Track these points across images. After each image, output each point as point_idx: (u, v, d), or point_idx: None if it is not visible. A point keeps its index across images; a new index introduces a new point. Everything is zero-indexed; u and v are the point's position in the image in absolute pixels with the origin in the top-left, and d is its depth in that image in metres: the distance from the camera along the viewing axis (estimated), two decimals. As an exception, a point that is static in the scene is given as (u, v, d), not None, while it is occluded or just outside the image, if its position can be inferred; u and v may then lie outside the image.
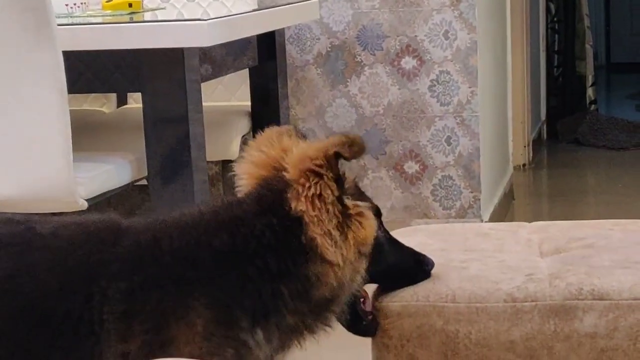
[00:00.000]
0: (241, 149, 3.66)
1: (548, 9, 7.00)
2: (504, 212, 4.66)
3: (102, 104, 3.99)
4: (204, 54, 2.90)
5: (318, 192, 1.68)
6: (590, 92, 7.08)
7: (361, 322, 1.88)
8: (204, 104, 2.82)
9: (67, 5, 3.13)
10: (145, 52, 2.69)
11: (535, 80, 6.37)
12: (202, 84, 2.83)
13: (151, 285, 1.61)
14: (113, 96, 3.97)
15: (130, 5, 3.13)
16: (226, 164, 3.67)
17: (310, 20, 3.93)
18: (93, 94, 3.90)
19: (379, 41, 4.03)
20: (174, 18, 2.92)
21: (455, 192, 4.07)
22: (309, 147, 1.74)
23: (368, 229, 1.74)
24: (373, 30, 4.03)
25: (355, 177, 1.80)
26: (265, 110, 3.49)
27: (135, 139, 2.92)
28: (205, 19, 2.66)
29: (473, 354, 1.91)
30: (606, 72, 9.24)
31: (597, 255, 2.09)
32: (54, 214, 2.81)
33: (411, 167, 4.08)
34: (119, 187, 2.89)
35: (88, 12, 3.15)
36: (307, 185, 1.68)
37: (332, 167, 1.70)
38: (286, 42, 3.85)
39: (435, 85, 4.02)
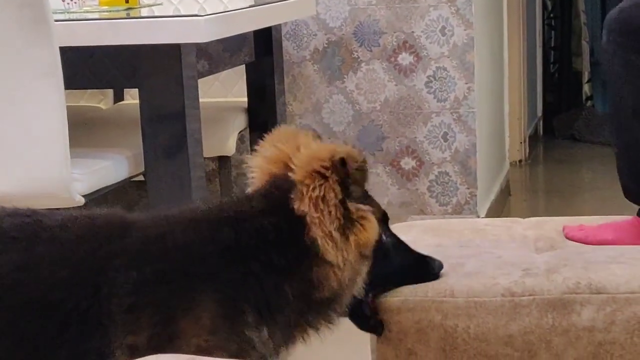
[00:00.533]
0: (238, 146, 3.66)
1: (544, 6, 7.01)
2: (500, 208, 4.66)
3: (99, 100, 3.99)
4: (201, 50, 2.90)
5: (322, 194, 1.69)
6: (586, 88, 7.08)
7: (368, 320, 1.89)
8: (200, 100, 2.82)
9: (63, 1, 3.12)
10: (142, 48, 2.69)
11: (531, 77, 6.37)
12: (199, 80, 2.83)
13: (159, 278, 1.62)
14: (110, 92, 3.97)
15: (127, 1, 3.13)
16: (223, 160, 3.67)
17: (307, 16, 3.93)
18: (90, 90, 3.90)
19: (375, 37, 4.03)
20: (170, 14, 2.92)
21: (452, 188, 4.08)
22: (317, 148, 1.75)
23: (369, 232, 1.75)
24: (370, 27, 4.03)
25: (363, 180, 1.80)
26: (262, 106, 3.50)
27: (132, 135, 2.92)
28: (202, 15, 2.66)
29: (471, 349, 1.91)
30: (602, 67, 9.21)
31: (592, 251, 2.09)
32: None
33: (408, 163, 4.09)
34: (116, 183, 2.89)
35: (85, 8, 3.15)
36: (312, 186, 1.69)
37: (338, 170, 1.71)
38: (283, 38, 3.85)
39: (432, 82, 4.03)
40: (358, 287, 1.77)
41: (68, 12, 3.10)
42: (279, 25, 3.47)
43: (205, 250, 1.66)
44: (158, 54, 2.69)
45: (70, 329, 1.58)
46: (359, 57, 4.06)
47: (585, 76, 7.05)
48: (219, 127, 3.51)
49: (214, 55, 3.04)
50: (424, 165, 4.08)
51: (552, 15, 7.15)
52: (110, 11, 3.09)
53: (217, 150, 3.55)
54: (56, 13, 2.83)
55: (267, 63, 3.45)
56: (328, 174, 1.70)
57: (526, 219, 2.39)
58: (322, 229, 1.69)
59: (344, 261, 1.70)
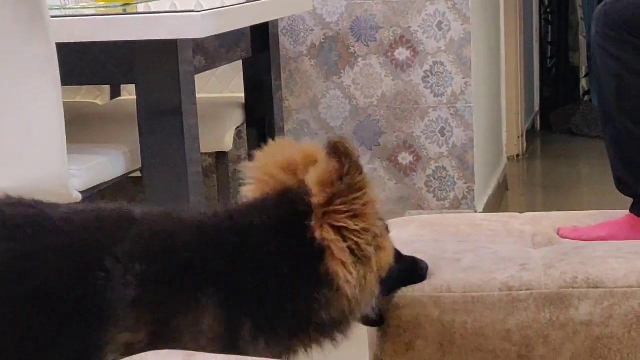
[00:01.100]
0: (235, 141, 3.66)
1: (541, 1, 7.01)
2: (497, 203, 4.66)
3: (95, 96, 3.99)
4: (197, 45, 2.89)
5: (345, 224, 1.63)
6: (583, 82, 7.08)
7: (369, 316, 1.88)
8: (197, 95, 2.82)
9: (60, -3, 3.12)
10: (138, 44, 2.69)
11: (528, 71, 6.37)
12: (196, 76, 2.82)
13: (162, 277, 1.60)
14: (106, 88, 3.97)
15: (123, -3, 3.13)
16: (220, 156, 3.67)
17: (303, 11, 3.92)
18: (86, 86, 3.90)
19: (372, 32, 4.03)
20: (167, 9, 2.92)
21: (449, 183, 4.08)
22: (333, 167, 1.65)
23: (389, 253, 1.72)
24: (367, 22, 4.03)
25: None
26: (259, 101, 3.49)
27: (129, 131, 2.92)
28: (199, 10, 2.66)
29: (469, 343, 1.91)
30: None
31: (589, 246, 2.09)
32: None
33: (405, 158, 4.08)
34: (113, 179, 2.89)
35: (81, 4, 3.15)
36: (335, 216, 1.63)
37: (354, 188, 1.65)
38: (280, 33, 3.85)
39: (429, 76, 4.02)
40: (370, 306, 1.74)
41: (64, 9, 3.09)
42: (276, 20, 3.47)
43: (212, 256, 1.63)
44: (155, 49, 2.69)
45: (70, 323, 1.57)
46: (355, 52, 4.05)
47: (583, 71, 7.06)
48: (216, 123, 3.50)
49: (211, 51, 3.04)
50: (421, 160, 4.08)
51: (549, 10, 7.15)
52: (106, 7, 3.09)
53: (214, 146, 3.55)
54: (52, 9, 2.83)
55: (264, 58, 3.44)
56: (350, 200, 1.63)
57: (523, 214, 2.38)
58: (342, 262, 1.63)
59: (362, 290, 1.66)
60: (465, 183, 4.07)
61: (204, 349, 1.56)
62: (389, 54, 4.03)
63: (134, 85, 2.83)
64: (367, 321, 1.90)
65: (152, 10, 3.01)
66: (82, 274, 1.58)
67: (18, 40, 2.53)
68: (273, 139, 3.34)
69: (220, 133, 3.52)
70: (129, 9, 3.04)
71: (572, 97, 7.07)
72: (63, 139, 2.60)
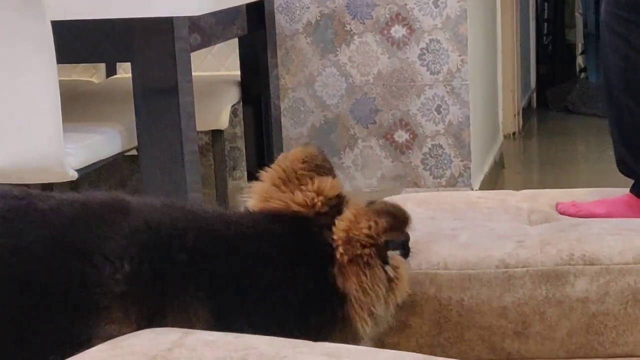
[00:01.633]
0: (231, 119, 3.65)
1: (537, -23, 7.00)
2: (494, 181, 4.66)
3: (91, 74, 3.98)
4: (193, 23, 2.88)
5: (367, 276, 1.65)
6: (580, 60, 7.08)
7: None
8: (193, 73, 2.81)
9: (54, -25, 3.10)
10: (134, 22, 2.68)
11: (524, 49, 6.37)
12: (192, 54, 2.82)
13: (155, 271, 1.58)
14: (102, 66, 3.96)
15: (118, -26, 3.11)
16: (216, 134, 3.67)
17: (299, -11, 3.91)
18: (82, 64, 3.89)
19: (368, 10, 4.02)
20: (162, -13, 2.90)
21: (446, 161, 4.07)
22: (357, 220, 1.67)
23: (405, 280, 1.72)
24: (362, -1, 4.02)
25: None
26: (255, 79, 3.49)
27: (125, 109, 2.91)
28: (194, -13, 2.65)
29: (465, 321, 1.92)
30: (596, 40, 9.22)
31: (585, 223, 2.09)
32: (45, 185, 2.81)
33: (401, 136, 4.08)
34: (109, 158, 2.89)
35: (76, -18, 3.13)
36: (356, 268, 1.65)
37: (381, 253, 1.67)
38: (275, 11, 3.83)
39: (425, 54, 4.02)
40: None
41: (59, -14, 3.08)
42: (272, -2, 3.46)
43: (210, 257, 1.62)
44: (150, 27, 2.68)
45: (58, 316, 1.56)
46: (351, 30, 4.04)
47: (579, 48, 7.05)
48: (211, 101, 3.50)
49: (207, 29, 3.03)
50: (417, 138, 4.07)
51: (545, -14, 7.14)
52: (101, -15, 3.07)
53: (210, 124, 3.55)
54: (47, -13, 2.82)
55: (260, 36, 3.44)
56: (371, 257, 1.65)
57: (520, 192, 2.39)
58: (363, 308, 1.66)
59: (377, 324, 1.69)
60: (462, 161, 4.07)
61: None
62: (385, 31, 4.02)
63: (129, 63, 2.82)
64: None
65: (148, -13, 3.00)
66: (71, 269, 1.56)
67: (13, 17, 2.52)
68: (269, 116, 3.34)
69: (216, 111, 3.51)
70: (124, -14, 3.03)
71: (568, 74, 7.07)
72: (59, 117, 2.59)
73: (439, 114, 4.04)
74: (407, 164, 4.09)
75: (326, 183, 1.74)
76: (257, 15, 3.38)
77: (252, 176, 1.86)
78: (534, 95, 6.80)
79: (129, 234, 1.60)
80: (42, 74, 2.56)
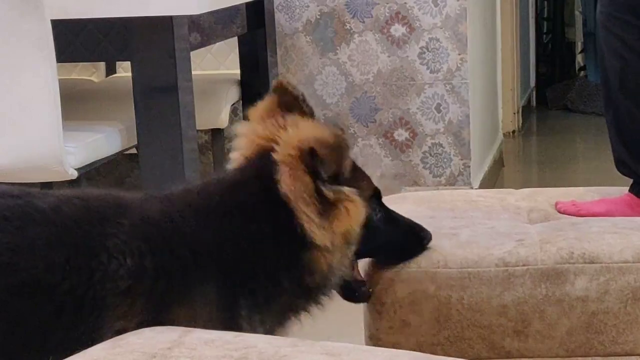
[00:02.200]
0: (231, 118, 3.66)
1: (537, -24, 7.00)
2: (493, 179, 4.67)
3: (91, 73, 3.98)
4: (193, 22, 2.89)
5: (296, 182, 1.68)
6: (579, 58, 7.08)
7: (354, 291, 1.88)
8: (193, 72, 2.82)
9: (54, -27, 3.11)
10: (134, 21, 2.68)
11: (524, 47, 6.37)
12: (191, 53, 2.82)
13: (156, 264, 1.59)
14: (102, 65, 3.96)
15: (118, -27, 3.12)
16: (216, 133, 3.67)
17: (299, -13, 3.91)
18: (82, 63, 3.89)
19: (368, 8, 4.02)
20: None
21: (445, 160, 4.08)
22: (297, 132, 1.72)
23: (353, 216, 1.73)
24: (362, -2, 4.02)
25: (351, 159, 1.77)
26: (255, 78, 3.49)
27: (125, 108, 2.92)
28: (194, -14, 2.65)
29: (465, 319, 1.92)
30: (595, 39, 9.22)
31: (585, 221, 2.09)
32: (44, 184, 2.81)
33: (401, 134, 4.08)
34: (109, 156, 2.89)
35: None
36: (288, 173, 1.68)
37: (306, 160, 1.68)
38: (275, 9, 3.84)
39: (424, 53, 4.02)
40: (347, 269, 1.77)
41: (59, -15, 3.08)
42: (272, -4, 3.47)
43: (201, 237, 1.64)
44: (150, 26, 2.68)
45: (64, 313, 1.56)
46: (351, 29, 4.04)
47: (579, 46, 7.05)
48: (211, 100, 3.50)
49: (206, 28, 3.03)
50: (417, 137, 4.07)
51: (544, -15, 7.14)
52: (101, -17, 3.07)
53: (210, 122, 3.55)
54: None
55: (260, 35, 3.44)
56: (297, 164, 1.68)
57: (519, 190, 2.39)
58: (304, 213, 1.67)
59: (332, 244, 1.69)
60: (461, 159, 4.07)
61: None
62: (385, 30, 4.02)
63: (129, 62, 2.82)
64: (352, 297, 1.89)
65: (147, -14, 3.00)
66: (74, 266, 1.57)
67: (13, 17, 2.52)
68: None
69: (216, 110, 3.52)
70: (124, -15, 3.03)
71: (568, 73, 7.07)
72: (59, 116, 2.60)
73: (438, 112, 4.04)
74: (407, 162, 4.09)
75: (296, 120, 1.77)
76: (256, 13, 3.38)
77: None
78: (534, 94, 6.80)
79: (129, 229, 1.61)
80: (42, 73, 2.57)
